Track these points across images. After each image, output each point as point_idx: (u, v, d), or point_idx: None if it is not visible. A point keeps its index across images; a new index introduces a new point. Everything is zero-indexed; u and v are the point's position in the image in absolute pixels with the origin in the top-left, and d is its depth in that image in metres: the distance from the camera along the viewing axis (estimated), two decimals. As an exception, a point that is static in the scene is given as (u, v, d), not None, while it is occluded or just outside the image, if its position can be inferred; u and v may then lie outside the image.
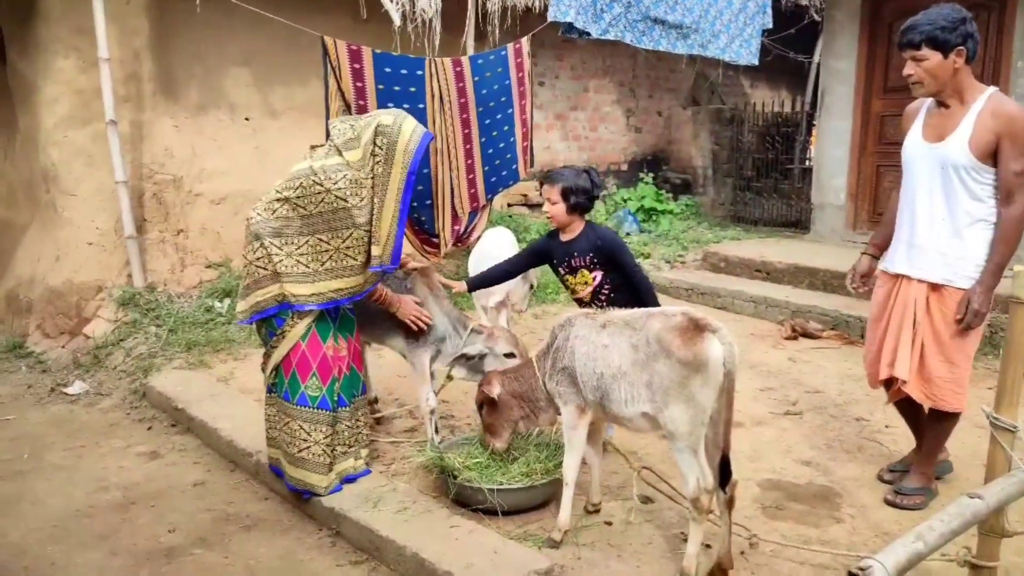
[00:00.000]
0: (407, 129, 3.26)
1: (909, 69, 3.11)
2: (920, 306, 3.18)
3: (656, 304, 3.41)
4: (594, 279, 3.52)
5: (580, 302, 3.63)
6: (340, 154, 3.30)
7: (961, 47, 3.01)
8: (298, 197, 3.25)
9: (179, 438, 4.34)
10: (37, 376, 5.31)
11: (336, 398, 3.42)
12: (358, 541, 3.14)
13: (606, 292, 3.52)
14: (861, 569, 1.84)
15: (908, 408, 3.45)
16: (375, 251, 3.27)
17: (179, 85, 6.17)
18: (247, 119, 6.53)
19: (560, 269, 3.61)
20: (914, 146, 3.25)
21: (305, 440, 3.33)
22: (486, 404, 3.19)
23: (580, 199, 3.46)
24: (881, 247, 3.50)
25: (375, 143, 3.23)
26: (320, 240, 3.26)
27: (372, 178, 3.25)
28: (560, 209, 3.48)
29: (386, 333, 3.84)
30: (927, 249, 3.18)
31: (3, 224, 7.07)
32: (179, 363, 5.14)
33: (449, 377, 3.76)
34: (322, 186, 3.22)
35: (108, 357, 5.33)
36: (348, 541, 3.19)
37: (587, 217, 3.61)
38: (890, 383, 3.33)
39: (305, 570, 3.02)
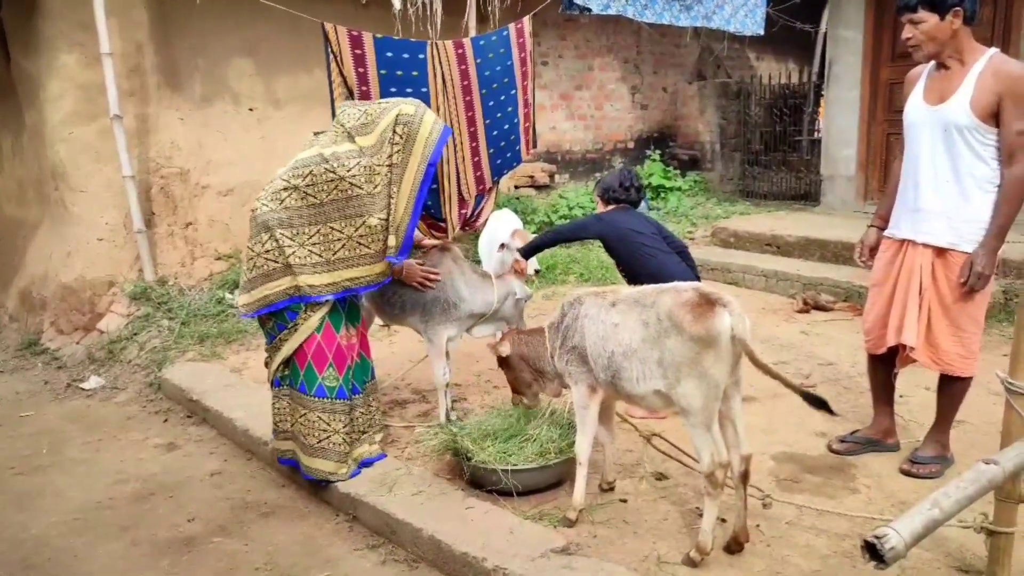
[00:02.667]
0: (428, 120, 3.26)
1: (907, 32, 3.10)
2: (926, 272, 3.16)
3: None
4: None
5: None
6: (352, 140, 3.27)
7: (957, 7, 2.98)
8: (308, 185, 3.22)
9: (195, 429, 4.38)
10: (53, 372, 5.37)
11: (351, 386, 3.43)
12: (375, 525, 3.17)
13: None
14: (877, 537, 1.83)
15: (878, 369, 3.48)
16: (391, 240, 3.26)
17: (183, 77, 6.16)
18: (251, 109, 6.52)
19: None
20: (916, 109, 3.21)
21: (325, 430, 3.35)
22: (502, 363, 3.27)
23: (610, 188, 4.05)
24: (886, 218, 3.47)
25: (395, 131, 3.20)
26: (332, 229, 3.24)
27: (389, 166, 3.22)
28: (599, 203, 4.15)
29: (403, 312, 3.90)
30: (932, 213, 3.15)
31: (14, 222, 7.12)
32: (192, 355, 5.18)
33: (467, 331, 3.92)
34: (335, 173, 3.19)
35: (122, 351, 5.37)
36: (365, 525, 3.21)
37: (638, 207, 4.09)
38: (896, 351, 3.31)
39: (324, 555, 3.05)
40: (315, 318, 3.29)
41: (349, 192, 3.20)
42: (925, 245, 3.17)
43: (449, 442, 3.32)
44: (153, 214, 6.08)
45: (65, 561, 3.09)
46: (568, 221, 4.15)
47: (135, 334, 5.48)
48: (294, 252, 3.23)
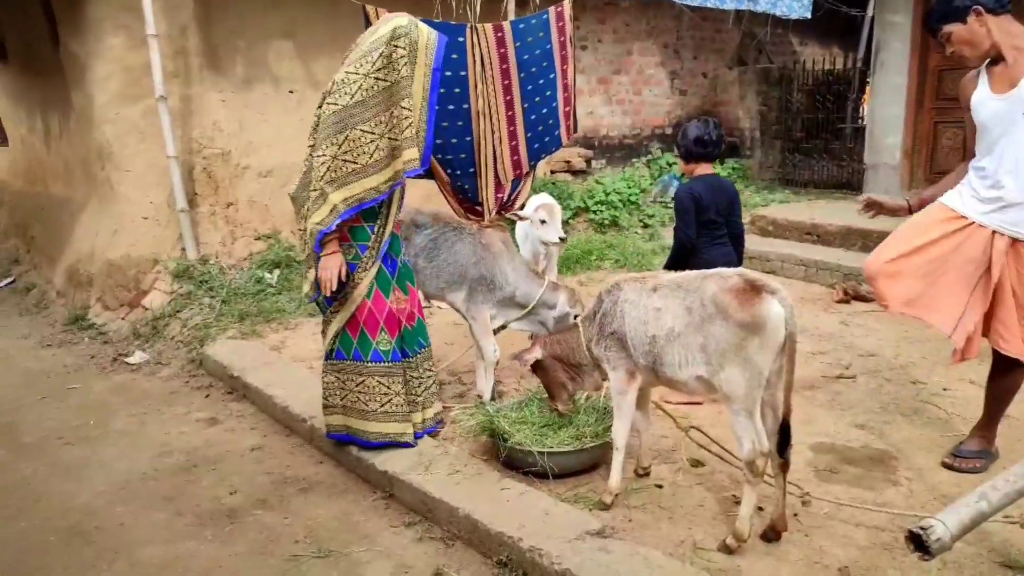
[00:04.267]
0: (424, 28, 3.25)
1: (948, 49, 3.10)
2: (1009, 261, 3.02)
3: (674, 264, 3.81)
4: None
5: None
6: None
7: (973, 6, 2.94)
8: (313, 130, 3.24)
9: (236, 405, 4.47)
10: (99, 347, 5.51)
11: (403, 350, 3.48)
12: (411, 503, 3.21)
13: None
14: (923, 528, 1.81)
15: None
16: (412, 153, 3.23)
17: (224, 59, 6.24)
18: (291, 91, 6.58)
19: None
20: (986, 103, 3.09)
21: (386, 393, 3.40)
22: (536, 369, 3.23)
23: (684, 148, 3.92)
24: (923, 205, 3.35)
25: (395, 45, 3.16)
26: (319, 155, 3.18)
27: (375, 78, 3.15)
28: (681, 162, 4.02)
29: (447, 289, 3.96)
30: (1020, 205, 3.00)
31: (62, 201, 7.30)
32: (233, 333, 5.27)
33: (500, 328, 3.88)
34: (356, 73, 3.15)
35: (165, 328, 5.49)
36: (401, 503, 3.26)
37: (712, 168, 3.97)
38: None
39: (361, 530, 3.10)
40: (364, 284, 3.33)
41: (329, 113, 3.17)
42: (1013, 239, 3.02)
43: (486, 423, 3.35)
44: (195, 194, 6.19)
45: (112, 529, 3.18)
46: (675, 220, 3.94)
47: (178, 311, 5.60)
48: (304, 205, 3.26)
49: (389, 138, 3.22)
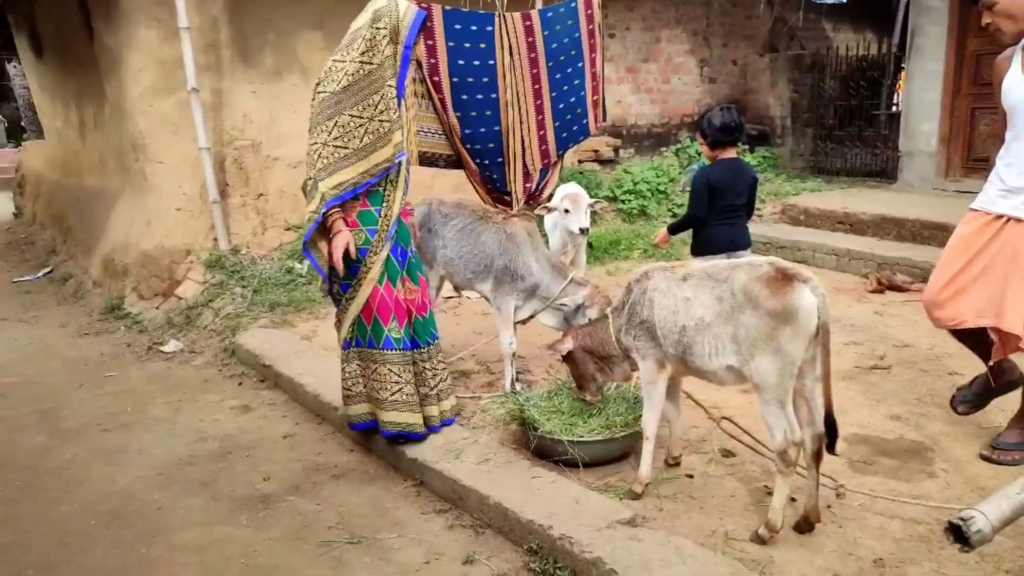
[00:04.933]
0: (403, 4, 3.26)
1: (985, 19, 3.03)
2: None
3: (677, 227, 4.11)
4: None
5: None
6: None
7: None
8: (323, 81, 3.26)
9: (268, 393, 4.53)
10: (135, 335, 5.62)
11: (413, 339, 3.49)
12: (442, 491, 3.23)
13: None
14: (963, 519, 1.78)
15: (970, 341, 3.27)
16: (397, 136, 3.27)
17: (254, 52, 6.29)
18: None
19: None
20: (1017, 85, 3.02)
21: (396, 382, 3.41)
22: (566, 359, 3.24)
23: (712, 136, 3.94)
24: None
25: (378, 27, 3.20)
26: (312, 145, 3.24)
27: (360, 62, 3.20)
28: (705, 149, 4.05)
29: (476, 278, 3.98)
30: None
31: (97, 192, 7.44)
32: (264, 322, 5.34)
33: (528, 318, 3.89)
34: (343, 60, 3.19)
35: (199, 317, 5.58)
36: (432, 491, 3.28)
37: (736, 152, 4.09)
38: (970, 332, 3.15)
39: (392, 517, 3.13)
40: (376, 269, 3.34)
41: (319, 101, 3.21)
42: None
43: (516, 412, 3.36)
44: (227, 185, 6.26)
45: (149, 513, 3.25)
46: (688, 199, 4.09)
47: (210, 301, 5.68)
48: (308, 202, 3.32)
49: (380, 120, 3.26)
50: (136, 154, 6.26)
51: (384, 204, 3.38)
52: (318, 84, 3.25)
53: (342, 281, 3.40)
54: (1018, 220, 3.01)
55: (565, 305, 3.82)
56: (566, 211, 4.50)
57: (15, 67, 15.18)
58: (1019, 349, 3.05)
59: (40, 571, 2.86)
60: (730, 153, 4.01)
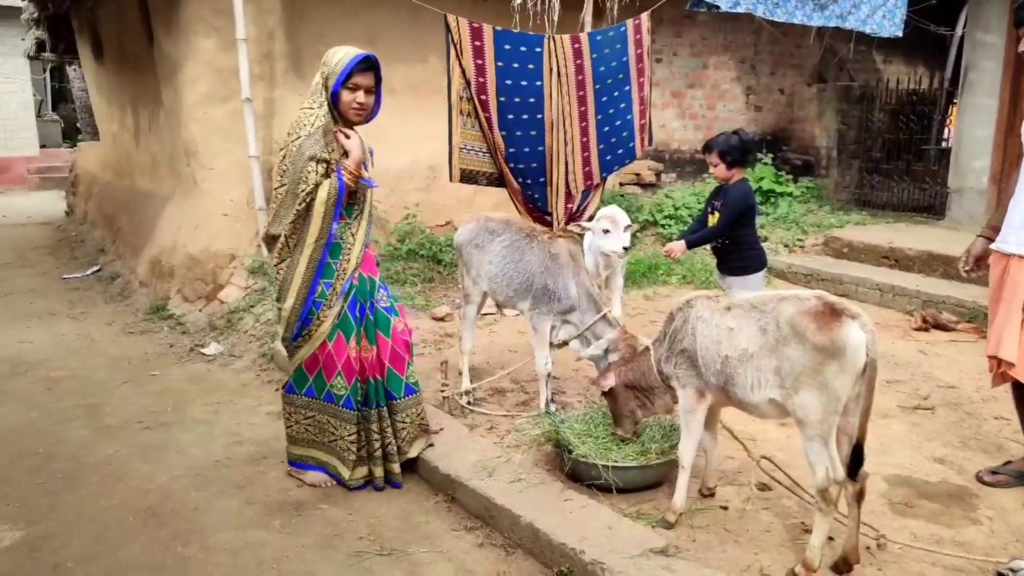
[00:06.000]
0: (341, 51, 3.28)
1: (1021, 46, 3.07)
2: None
3: (746, 261, 4.09)
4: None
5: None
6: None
7: None
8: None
9: (304, 400, 4.58)
10: (178, 336, 5.74)
11: (360, 398, 3.41)
12: (473, 508, 3.23)
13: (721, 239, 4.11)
14: (1012, 571, 1.73)
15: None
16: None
17: (306, 64, 6.43)
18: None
19: (707, 207, 4.27)
20: None
21: (332, 434, 3.43)
22: (605, 395, 3.23)
23: (734, 156, 4.07)
24: (997, 230, 3.32)
25: (322, 73, 3.28)
26: (292, 190, 3.24)
27: (319, 106, 3.28)
28: (721, 169, 4.11)
29: (516, 296, 4.00)
30: None
31: (148, 194, 7.64)
32: (303, 329, 5.40)
33: (561, 344, 3.89)
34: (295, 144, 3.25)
35: (239, 321, 5.68)
36: (463, 507, 3.28)
37: (746, 172, 4.22)
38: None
39: (422, 531, 3.14)
40: (326, 325, 3.31)
41: (293, 147, 3.24)
42: None
43: (551, 433, 3.35)
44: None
45: (186, 513, 3.30)
46: (724, 215, 4.09)
47: (251, 306, 5.78)
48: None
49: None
50: (188, 159, 6.42)
51: (341, 257, 3.34)
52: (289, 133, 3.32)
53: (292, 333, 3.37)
54: (1021, 257, 3.09)
55: (595, 339, 3.72)
56: (605, 231, 4.46)
57: (75, 70, 15.71)
58: (1006, 378, 3.11)
59: (79, 563, 2.92)
60: (741, 174, 4.13)
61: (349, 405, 3.39)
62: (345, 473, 3.43)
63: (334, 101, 3.28)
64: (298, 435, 3.54)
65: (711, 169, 4.22)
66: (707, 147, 4.24)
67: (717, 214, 4.12)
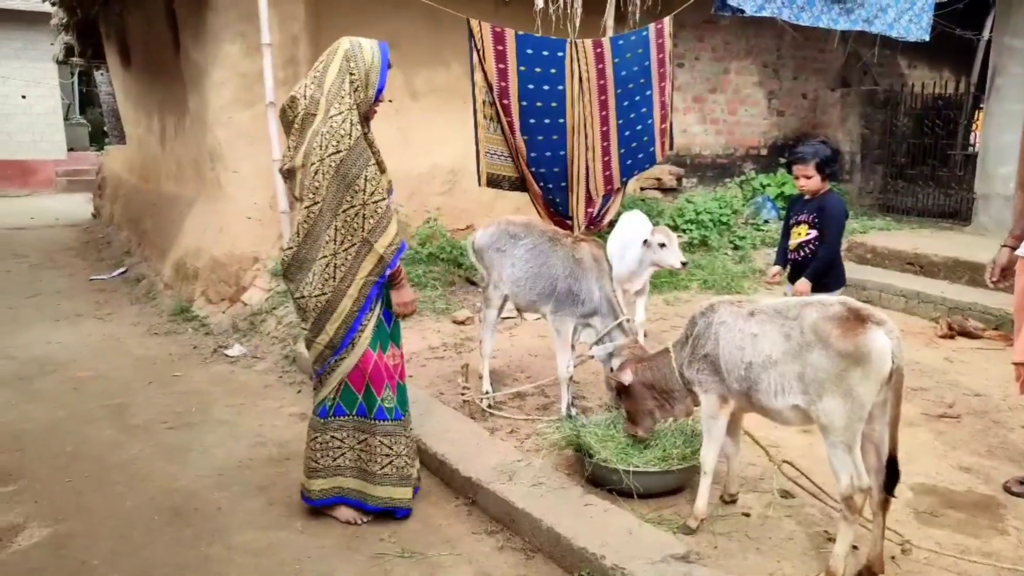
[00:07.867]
0: (367, 45, 3.06)
1: None
2: None
3: (828, 279, 3.84)
4: (808, 235, 3.91)
5: (787, 251, 4.04)
6: (314, 115, 2.97)
7: None
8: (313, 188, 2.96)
9: (325, 402, 4.61)
10: (201, 338, 5.80)
11: (405, 407, 3.25)
12: (493, 512, 3.23)
13: (810, 249, 3.90)
14: (1044, 584, 1.71)
15: None
16: (386, 180, 3.07)
17: (330, 69, 6.47)
18: (390, 101, 6.76)
19: (790, 219, 4.06)
20: None
21: (387, 455, 3.15)
22: (622, 392, 3.21)
23: (832, 167, 3.93)
24: (1021, 238, 3.27)
25: (350, 72, 2.99)
26: (347, 206, 2.95)
27: (354, 107, 2.98)
28: (815, 181, 3.88)
29: (539, 300, 4.01)
30: None
31: (173, 197, 7.74)
32: (325, 332, 5.44)
33: (586, 358, 3.87)
34: (316, 158, 2.92)
35: (262, 324, 5.73)
36: (483, 511, 3.28)
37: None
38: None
39: (443, 535, 3.15)
40: (368, 331, 3.05)
41: (330, 163, 2.91)
42: None
43: (572, 437, 3.35)
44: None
45: (210, 513, 3.34)
46: (832, 233, 3.89)
47: (274, 308, 5.83)
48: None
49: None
50: (213, 163, 6.50)
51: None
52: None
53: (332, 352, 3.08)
54: None
55: (603, 342, 3.76)
56: (661, 245, 4.57)
57: (102, 74, 15.95)
58: None
59: (105, 562, 2.96)
60: (828, 185, 3.96)
61: (399, 416, 3.18)
62: (408, 495, 3.21)
63: None
64: (327, 464, 3.16)
65: (800, 182, 3.91)
66: (799, 158, 3.89)
67: (804, 226, 3.90)
